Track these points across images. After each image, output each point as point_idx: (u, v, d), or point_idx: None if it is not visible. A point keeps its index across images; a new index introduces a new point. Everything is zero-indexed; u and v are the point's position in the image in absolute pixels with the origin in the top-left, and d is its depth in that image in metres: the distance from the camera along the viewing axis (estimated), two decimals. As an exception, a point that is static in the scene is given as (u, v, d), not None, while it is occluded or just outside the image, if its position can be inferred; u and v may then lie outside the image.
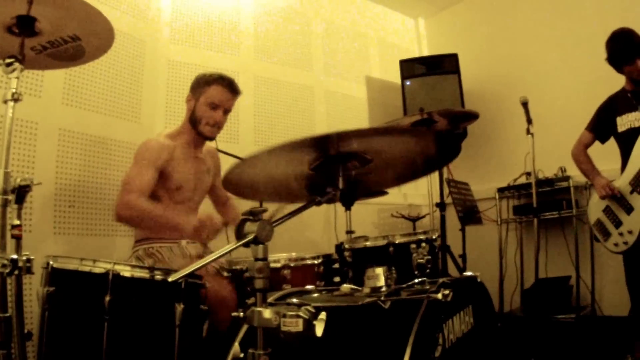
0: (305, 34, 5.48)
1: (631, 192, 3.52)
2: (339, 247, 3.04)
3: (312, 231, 4.84)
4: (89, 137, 3.58)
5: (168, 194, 2.98)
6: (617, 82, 3.81)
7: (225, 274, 2.81)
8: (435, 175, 4.85)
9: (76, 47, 2.22)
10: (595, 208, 3.74)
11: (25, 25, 2.04)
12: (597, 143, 3.93)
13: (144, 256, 2.84)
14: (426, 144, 2.01)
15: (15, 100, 1.99)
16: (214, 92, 3.07)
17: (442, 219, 4.57)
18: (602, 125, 3.85)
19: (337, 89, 5.64)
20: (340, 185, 1.90)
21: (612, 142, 3.87)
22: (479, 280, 2.24)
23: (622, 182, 3.59)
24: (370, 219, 5.56)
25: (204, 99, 3.06)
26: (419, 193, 5.90)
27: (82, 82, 3.58)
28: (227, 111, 3.15)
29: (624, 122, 3.68)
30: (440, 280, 1.91)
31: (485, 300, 2.30)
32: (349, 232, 4.07)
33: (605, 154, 3.94)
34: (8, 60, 2.00)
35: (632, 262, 3.60)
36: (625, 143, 3.66)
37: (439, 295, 1.73)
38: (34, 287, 2.50)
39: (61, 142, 3.42)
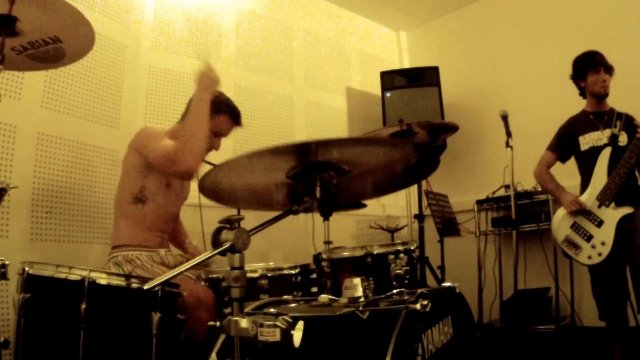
0: (286, 44, 5.49)
1: (599, 207, 3.61)
2: (317, 258, 3.04)
3: (290, 241, 4.82)
4: (67, 141, 3.55)
5: (155, 191, 2.97)
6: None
7: (202, 283, 2.80)
8: (413, 187, 4.88)
9: (57, 48, 2.20)
10: (562, 225, 3.78)
11: (6, 25, 2.02)
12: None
13: (122, 262, 2.81)
14: (405, 155, 2.02)
15: (-4, 100, 1.97)
16: (223, 123, 3.13)
17: (421, 230, 4.60)
18: (564, 144, 3.94)
19: (317, 100, 5.66)
20: (318, 195, 1.91)
21: (570, 161, 3.97)
22: (457, 290, 2.25)
23: (588, 198, 3.68)
24: (348, 229, 5.57)
25: (211, 125, 2.98)
26: (397, 204, 5.92)
27: (62, 85, 3.55)
28: (223, 136, 3.21)
29: (586, 141, 3.79)
30: (419, 290, 1.91)
31: (465, 311, 2.31)
32: (327, 242, 4.07)
33: (562, 172, 4.01)
34: (-13, 60, 1.98)
35: (599, 273, 3.65)
36: (587, 161, 3.76)
37: (418, 306, 1.73)
38: (10, 294, 2.47)
39: (40, 146, 3.38)
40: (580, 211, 3.66)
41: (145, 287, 1.56)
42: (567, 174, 3.99)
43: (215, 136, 3.10)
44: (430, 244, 4.71)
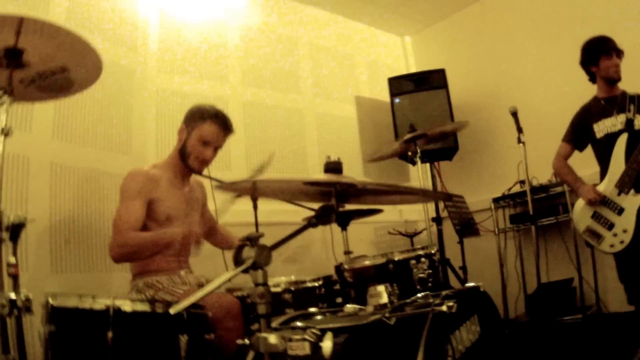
0: (292, 58, 5.50)
1: (619, 194, 3.58)
2: (339, 268, 3.02)
3: (310, 253, 4.81)
4: (81, 170, 3.56)
5: (158, 226, 2.92)
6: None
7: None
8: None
9: (64, 78, 2.21)
10: (582, 216, 3.78)
11: (13, 57, 2.03)
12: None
13: (144, 288, 2.81)
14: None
15: (6, 134, 1.97)
16: (208, 130, 3.05)
17: (440, 233, 4.58)
18: (579, 134, 3.92)
19: (327, 110, 5.66)
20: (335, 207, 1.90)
21: (587, 150, 3.95)
22: (482, 289, 2.23)
23: (607, 186, 3.66)
24: (367, 237, 5.54)
25: (196, 134, 3.04)
26: (414, 209, 5.88)
27: (72, 115, 3.57)
28: (217, 148, 3.14)
29: (601, 128, 3.76)
30: (444, 292, 1.90)
31: (490, 309, 2.29)
32: (347, 252, 4.05)
33: (581, 161, 4.00)
34: (-4, 94, 1.99)
35: (624, 258, 3.63)
36: (604, 149, 3.74)
37: (444, 308, 1.72)
38: (35, 327, 2.48)
39: (53, 177, 3.39)
40: (601, 200, 3.63)
41: (172, 311, 1.55)
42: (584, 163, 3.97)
43: (204, 146, 3.05)
44: (451, 245, 4.69)
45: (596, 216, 3.68)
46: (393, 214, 5.73)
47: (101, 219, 3.60)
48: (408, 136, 3.81)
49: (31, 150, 3.29)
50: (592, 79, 3.86)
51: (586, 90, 3.90)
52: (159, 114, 4.28)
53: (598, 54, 3.72)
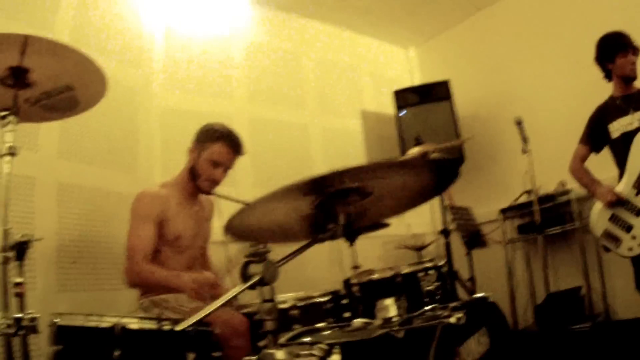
0: (296, 73, 5.52)
1: (637, 195, 3.49)
2: (347, 283, 3.01)
3: (317, 269, 4.79)
4: (87, 190, 3.56)
5: (167, 245, 2.94)
6: (608, 92, 3.81)
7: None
8: (436, 203, 4.85)
9: (70, 97, 2.22)
10: (599, 219, 3.66)
11: (18, 77, 2.04)
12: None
13: (149, 306, 2.81)
14: (424, 174, 2.00)
15: (12, 154, 1.98)
16: (218, 151, 3.06)
17: (447, 245, 4.56)
18: (595, 135, 3.82)
19: (333, 125, 5.66)
20: (341, 221, 1.89)
21: (604, 152, 3.86)
22: (490, 300, 2.21)
23: (625, 187, 3.56)
24: (375, 252, 5.51)
25: (207, 154, 3.05)
26: (421, 222, 5.88)
27: (78, 134, 3.57)
28: (227, 169, 3.14)
29: (617, 128, 3.66)
30: (452, 304, 1.88)
31: (499, 320, 2.26)
32: (355, 267, 4.03)
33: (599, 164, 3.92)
34: (2, 114, 1.99)
35: None
36: (620, 149, 3.64)
37: (453, 319, 1.70)
38: (41, 347, 2.47)
39: (60, 197, 3.39)
40: (618, 202, 3.54)
41: (177, 328, 1.54)
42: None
43: (215, 167, 3.06)
44: (459, 257, 4.66)
45: (614, 218, 3.57)
46: (400, 228, 5.68)
47: (108, 238, 3.59)
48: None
49: (37, 170, 3.30)
50: (608, 76, 3.76)
51: (591, 99, 3.87)
52: (164, 132, 4.28)
53: (614, 51, 3.63)
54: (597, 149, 3.86)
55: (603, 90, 3.83)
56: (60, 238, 3.35)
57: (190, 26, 4.72)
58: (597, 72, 3.79)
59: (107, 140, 3.78)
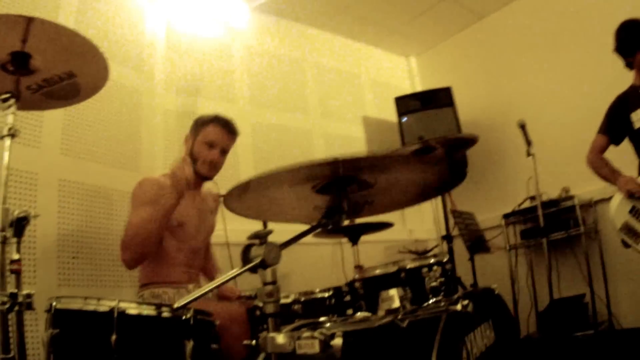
0: (299, 79, 5.53)
1: None
2: (351, 284, 2.96)
3: (319, 273, 4.76)
4: (89, 187, 3.55)
5: (170, 232, 2.91)
6: (610, 99, 3.76)
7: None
8: (440, 209, 4.84)
9: (71, 84, 2.20)
10: (619, 211, 3.51)
11: (20, 62, 2.03)
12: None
13: (149, 298, 2.78)
14: (429, 169, 1.96)
15: (12, 135, 1.96)
16: (211, 131, 3.08)
17: (450, 250, 4.53)
18: (615, 125, 3.68)
19: (335, 131, 5.66)
20: (345, 208, 1.86)
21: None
22: (496, 292, 2.18)
23: None
24: (377, 257, 5.47)
25: (201, 137, 3.07)
26: (424, 228, 5.87)
27: (80, 132, 3.58)
28: (224, 151, 3.13)
29: (639, 117, 3.53)
30: (458, 293, 1.85)
31: (505, 314, 2.23)
32: (358, 266, 4.00)
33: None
34: (4, 96, 1.98)
35: None
36: None
37: (458, 307, 1.66)
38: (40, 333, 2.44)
39: (61, 193, 3.38)
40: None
41: (175, 305, 1.51)
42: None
43: (210, 147, 3.06)
44: (461, 263, 4.62)
45: (634, 211, 3.43)
46: (403, 233, 5.68)
47: (109, 235, 3.58)
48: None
49: (39, 166, 3.29)
50: (629, 66, 3.62)
51: (594, 106, 3.82)
52: (166, 133, 4.29)
53: (635, 47, 3.51)
54: (617, 140, 3.72)
55: (605, 97, 3.77)
56: (61, 233, 3.33)
57: (191, 32, 4.74)
58: (599, 79, 3.73)
59: (109, 139, 3.78)
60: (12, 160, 1.99)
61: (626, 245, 3.49)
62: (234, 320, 2.51)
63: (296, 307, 2.66)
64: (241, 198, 1.81)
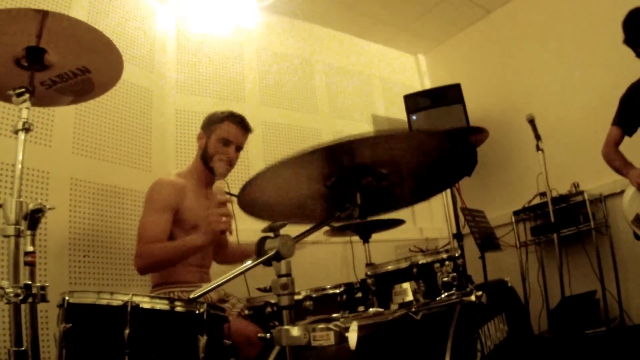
0: (308, 78, 5.54)
1: None
2: (363, 282, 2.95)
3: (330, 272, 4.76)
4: (100, 186, 3.57)
5: (184, 233, 2.89)
6: (619, 93, 3.72)
7: (246, 312, 2.76)
8: (450, 207, 4.84)
9: (85, 80, 2.20)
10: (631, 204, 3.49)
11: (34, 58, 2.03)
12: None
13: (161, 299, 2.78)
14: (440, 147, 1.93)
15: (27, 130, 1.96)
16: (227, 129, 3.07)
17: (461, 249, 4.52)
18: (628, 116, 3.62)
19: (344, 130, 5.65)
20: (358, 201, 1.86)
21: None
22: (509, 284, 2.17)
23: None
24: (388, 256, 5.45)
25: (216, 135, 3.05)
26: (435, 227, 5.86)
27: (91, 131, 3.60)
28: (239, 148, 3.13)
29: None
30: (472, 285, 1.84)
31: (518, 306, 2.22)
32: (369, 264, 3.99)
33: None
34: (19, 90, 1.98)
35: None
36: None
37: (472, 297, 1.66)
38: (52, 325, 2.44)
39: (73, 192, 3.39)
40: None
41: (192, 295, 1.50)
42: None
43: (225, 145, 3.05)
44: (472, 261, 4.61)
45: None
46: (414, 232, 5.68)
47: (120, 234, 3.59)
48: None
49: (51, 165, 3.30)
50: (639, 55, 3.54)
51: (604, 101, 3.80)
52: (178, 132, 4.32)
53: None
54: (630, 130, 3.68)
55: (615, 91, 3.74)
56: (72, 232, 3.34)
57: (202, 31, 4.76)
58: (608, 73, 3.70)
59: (120, 138, 3.79)
60: (25, 158, 2.00)
61: (638, 237, 3.48)
62: (249, 340, 2.50)
63: (307, 303, 2.65)
64: (253, 198, 1.80)
